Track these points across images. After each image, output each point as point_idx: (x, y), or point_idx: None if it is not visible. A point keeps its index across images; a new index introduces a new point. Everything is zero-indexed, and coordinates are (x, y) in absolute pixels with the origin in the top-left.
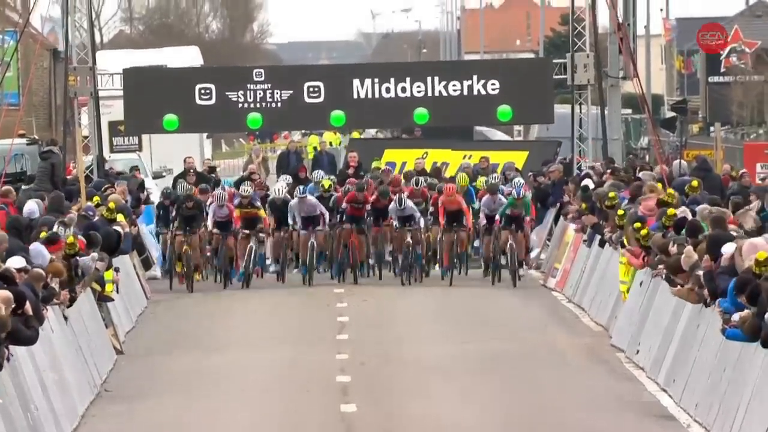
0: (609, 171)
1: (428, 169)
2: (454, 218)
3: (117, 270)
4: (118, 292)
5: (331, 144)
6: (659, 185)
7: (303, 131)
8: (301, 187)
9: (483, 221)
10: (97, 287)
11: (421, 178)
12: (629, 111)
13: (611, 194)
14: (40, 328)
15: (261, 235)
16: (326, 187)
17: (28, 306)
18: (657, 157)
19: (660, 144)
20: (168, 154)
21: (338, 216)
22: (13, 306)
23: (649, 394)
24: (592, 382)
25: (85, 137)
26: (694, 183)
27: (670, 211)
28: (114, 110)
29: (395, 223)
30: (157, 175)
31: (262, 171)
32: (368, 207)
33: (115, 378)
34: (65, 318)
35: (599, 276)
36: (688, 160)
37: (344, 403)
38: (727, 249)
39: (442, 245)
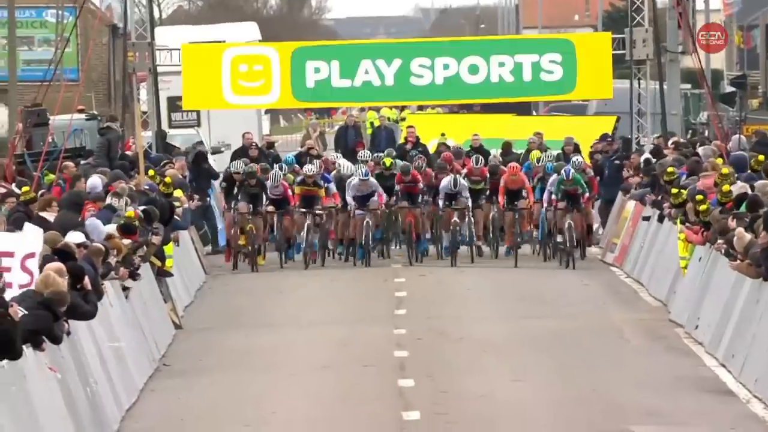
0: (672, 145)
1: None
2: (514, 197)
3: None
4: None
5: (389, 119)
6: (719, 160)
7: (360, 107)
8: (363, 170)
9: (546, 203)
10: (157, 262)
11: (481, 157)
12: (688, 86)
13: (670, 169)
14: (99, 302)
15: (318, 214)
16: (387, 165)
17: (87, 280)
18: (716, 132)
19: (719, 119)
20: (226, 129)
21: (394, 195)
22: (68, 279)
23: (707, 369)
24: (650, 358)
25: (144, 113)
26: (761, 157)
27: (725, 187)
28: (172, 86)
29: (440, 202)
30: (215, 151)
31: (320, 145)
32: (420, 185)
33: (174, 353)
34: (124, 291)
35: (658, 251)
36: (748, 135)
37: (402, 378)
38: None
39: (496, 224)
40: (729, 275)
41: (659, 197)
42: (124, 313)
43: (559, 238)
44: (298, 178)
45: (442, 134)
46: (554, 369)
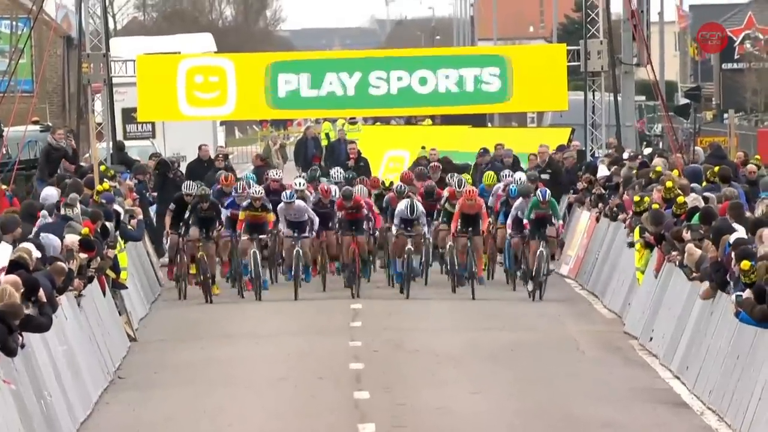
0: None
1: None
2: (469, 222)
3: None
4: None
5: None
6: (675, 172)
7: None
8: (287, 192)
9: (509, 231)
10: (112, 274)
11: (462, 178)
12: (643, 98)
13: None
14: (53, 315)
15: (264, 241)
16: (387, 185)
17: (41, 293)
18: (671, 144)
19: (674, 131)
20: (182, 141)
21: (336, 223)
22: (23, 291)
23: (662, 381)
24: (606, 370)
25: (99, 124)
26: (716, 169)
27: (680, 199)
28: (127, 97)
29: (394, 228)
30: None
31: (280, 158)
32: (365, 211)
33: (129, 365)
34: (78, 303)
35: (613, 263)
36: (703, 146)
37: (357, 390)
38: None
39: (453, 251)
40: (683, 288)
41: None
42: (79, 326)
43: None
44: (244, 202)
45: (423, 147)
46: (511, 381)
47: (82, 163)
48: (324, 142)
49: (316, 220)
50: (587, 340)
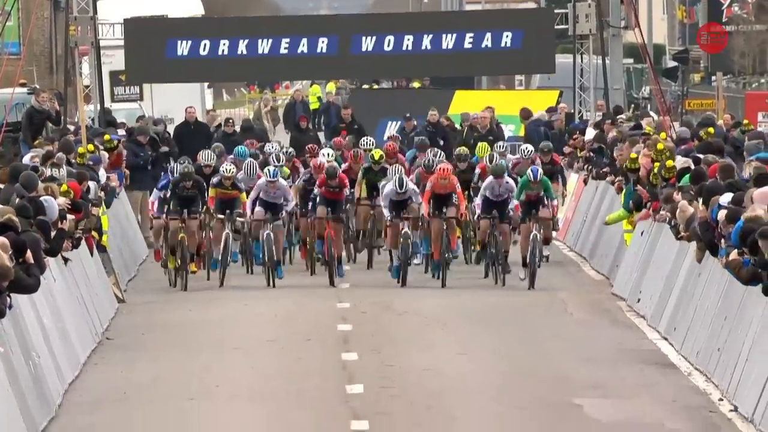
0: (610, 122)
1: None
2: (442, 202)
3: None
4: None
5: (336, 93)
6: (663, 135)
7: (304, 81)
8: (270, 170)
9: (478, 209)
10: (96, 235)
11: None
12: (631, 60)
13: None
14: (41, 276)
15: (239, 221)
16: (376, 158)
17: (29, 254)
18: (659, 107)
19: (662, 94)
20: (169, 103)
21: (311, 201)
22: (11, 253)
23: (650, 342)
24: (593, 331)
25: (86, 87)
26: (711, 129)
27: (669, 162)
28: (115, 60)
29: (386, 213)
30: (157, 124)
31: (270, 121)
32: (346, 191)
33: (117, 326)
34: (65, 262)
35: (600, 225)
36: (690, 109)
37: (345, 351)
38: (724, 200)
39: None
40: (671, 249)
41: (604, 168)
42: (67, 287)
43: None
44: (214, 179)
45: (406, 116)
46: (499, 343)
47: (69, 126)
48: (314, 105)
49: (292, 203)
50: (575, 302)
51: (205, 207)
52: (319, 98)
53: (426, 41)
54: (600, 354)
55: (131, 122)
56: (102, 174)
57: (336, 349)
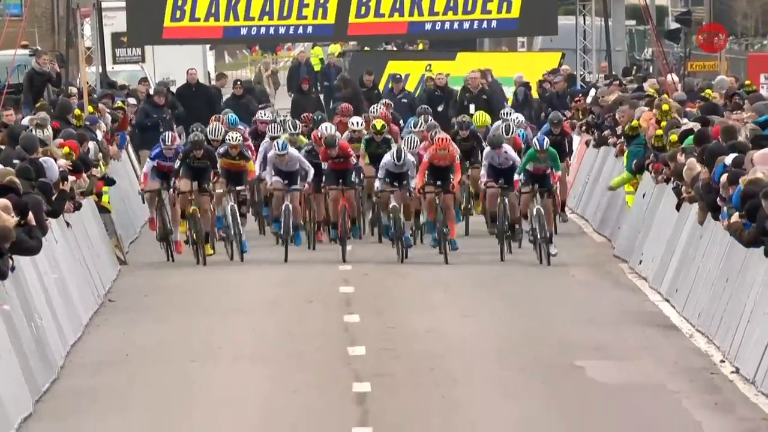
0: (618, 83)
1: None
2: (440, 175)
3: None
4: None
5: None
6: (666, 96)
7: (306, 43)
8: (280, 143)
9: (483, 178)
10: (95, 198)
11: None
12: (633, 22)
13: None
14: (43, 238)
15: (243, 194)
16: (378, 128)
17: (30, 216)
18: (661, 69)
19: (664, 55)
20: (171, 65)
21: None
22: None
23: (652, 304)
24: (595, 293)
25: (88, 49)
26: (709, 91)
27: (672, 137)
28: (117, 21)
29: (378, 183)
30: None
31: (271, 85)
32: (353, 160)
33: (119, 288)
34: (67, 224)
35: (603, 187)
36: (692, 71)
37: (348, 313)
38: (729, 160)
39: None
40: (673, 210)
41: (604, 132)
42: (69, 249)
43: (525, 226)
44: (221, 149)
45: (428, 67)
46: (501, 305)
47: (72, 87)
48: (317, 68)
49: (311, 171)
50: (577, 265)
51: (216, 178)
52: (321, 60)
53: (426, 2)
54: (602, 316)
55: (133, 84)
56: (100, 135)
57: (338, 311)
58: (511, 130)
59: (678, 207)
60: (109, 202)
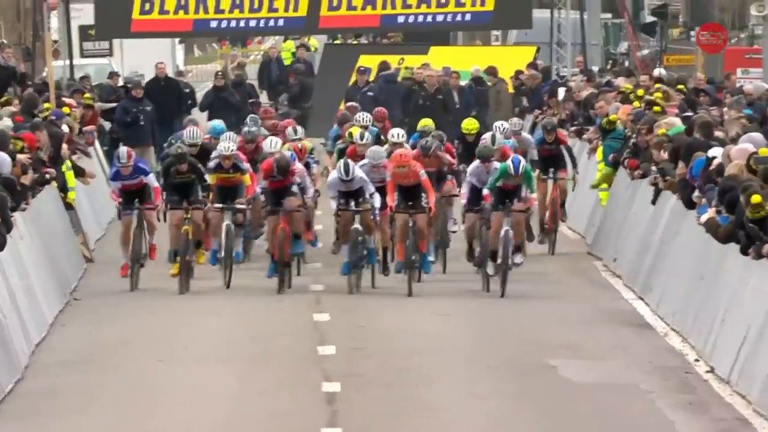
0: (587, 78)
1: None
2: (410, 195)
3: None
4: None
5: (310, 49)
6: (640, 92)
7: (277, 36)
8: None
9: (464, 199)
10: (61, 194)
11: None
12: (609, 15)
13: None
14: (8, 235)
15: (240, 210)
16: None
17: None
18: (636, 63)
19: (640, 49)
20: (139, 59)
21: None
22: None
23: (625, 302)
24: (568, 291)
25: (55, 42)
26: (681, 87)
27: (661, 131)
28: (84, 14)
29: (332, 202)
30: (128, 81)
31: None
32: (297, 179)
33: (85, 286)
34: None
35: (577, 183)
36: (668, 65)
37: (317, 312)
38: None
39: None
40: (647, 208)
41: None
42: (35, 246)
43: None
44: (211, 162)
45: (401, 61)
46: (473, 304)
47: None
48: (288, 62)
49: (311, 189)
50: (550, 262)
51: (210, 194)
52: (293, 54)
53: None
54: (575, 314)
55: (102, 79)
56: (65, 129)
57: (307, 310)
58: (497, 141)
59: (653, 202)
60: (75, 199)
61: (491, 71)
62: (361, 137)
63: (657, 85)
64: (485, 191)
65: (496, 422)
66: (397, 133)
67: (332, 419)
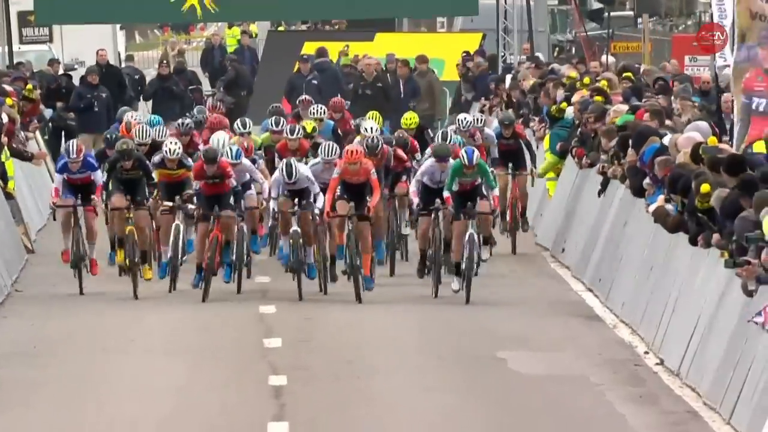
0: (534, 65)
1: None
2: (355, 194)
3: None
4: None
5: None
6: (587, 80)
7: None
8: (233, 149)
9: (415, 200)
10: (0, 183)
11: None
12: (555, 2)
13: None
14: None
15: (190, 207)
16: (309, 131)
17: None
18: (584, 50)
19: (587, 37)
20: (80, 45)
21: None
22: None
23: (575, 294)
24: (517, 283)
25: None
26: (629, 74)
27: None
28: None
29: (271, 203)
30: (68, 68)
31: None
32: (232, 182)
33: (26, 278)
34: None
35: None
36: (615, 52)
37: (264, 305)
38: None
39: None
40: (596, 198)
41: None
42: None
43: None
44: (156, 158)
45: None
46: (418, 295)
47: None
48: (231, 49)
49: (266, 185)
50: (498, 253)
51: (156, 191)
52: (238, 41)
53: None
54: (524, 306)
55: (41, 66)
56: (5, 119)
57: (254, 302)
58: (449, 137)
59: (600, 192)
60: (15, 189)
61: (422, 59)
62: (292, 131)
63: (603, 73)
64: (446, 193)
65: (445, 415)
66: (369, 127)
67: (279, 413)
